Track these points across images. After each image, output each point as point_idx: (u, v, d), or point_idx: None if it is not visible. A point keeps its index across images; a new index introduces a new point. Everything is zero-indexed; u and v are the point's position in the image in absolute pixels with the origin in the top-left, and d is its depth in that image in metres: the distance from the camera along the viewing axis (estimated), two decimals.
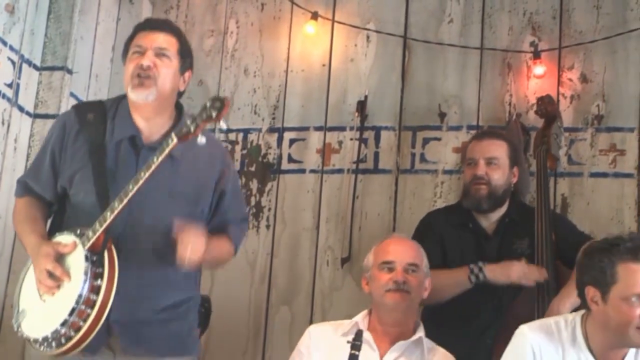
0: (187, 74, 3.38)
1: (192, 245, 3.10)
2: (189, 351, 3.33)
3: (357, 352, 3.22)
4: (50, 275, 3.10)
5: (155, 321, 3.23)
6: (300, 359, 3.61)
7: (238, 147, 5.12)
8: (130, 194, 3.04)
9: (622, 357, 3.16)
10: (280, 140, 5.10)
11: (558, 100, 4.74)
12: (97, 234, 3.08)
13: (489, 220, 4.14)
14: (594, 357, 3.14)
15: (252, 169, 5.09)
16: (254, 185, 5.07)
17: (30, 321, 3.17)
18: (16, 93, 4.52)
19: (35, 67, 4.66)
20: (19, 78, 4.54)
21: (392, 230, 4.81)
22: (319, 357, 3.58)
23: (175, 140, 3.01)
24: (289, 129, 5.11)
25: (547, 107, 4.50)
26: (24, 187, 3.40)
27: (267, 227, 5.00)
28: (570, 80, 4.82)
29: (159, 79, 3.24)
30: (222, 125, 3.02)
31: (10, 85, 4.48)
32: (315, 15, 5.08)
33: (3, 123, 4.44)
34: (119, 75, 5.14)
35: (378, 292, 3.59)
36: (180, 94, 3.40)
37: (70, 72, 4.71)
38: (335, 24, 5.14)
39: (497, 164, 4.11)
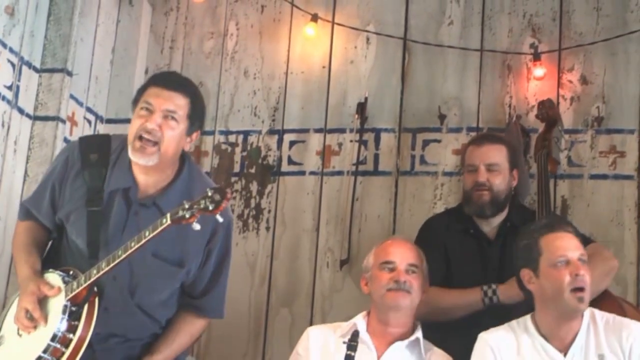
0: (194, 135, 3.35)
1: None
2: None
3: (352, 353, 3.22)
4: (29, 316, 3.15)
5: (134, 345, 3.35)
6: None
7: (238, 149, 5.12)
8: (118, 260, 3.07)
9: (573, 336, 3.33)
10: (280, 142, 5.10)
11: (558, 102, 4.74)
12: (80, 288, 3.13)
13: (491, 225, 4.14)
14: (546, 340, 3.34)
15: (252, 170, 5.09)
16: (254, 187, 5.06)
17: (5, 350, 3.22)
18: (16, 95, 4.52)
19: (35, 69, 4.66)
20: (18, 80, 4.54)
21: (392, 232, 4.81)
22: (316, 359, 3.58)
23: (169, 221, 2.99)
24: (288, 131, 5.10)
25: (548, 111, 4.50)
26: (26, 212, 3.44)
27: (267, 229, 5.00)
28: (570, 82, 4.82)
29: (162, 143, 3.20)
30: (219, 218, 2.99)
31: (10, 88, 4.48)
32: (315, 17, 5.08)
33: (3, 125, 4.44)
34: (119, 78, 5.18)
35: (379, 292, 3.61)
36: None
37: (70, 74, 4.71)
38: (335, 26, 5.13)
39: (497, 170, 4.11)
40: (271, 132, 5.13)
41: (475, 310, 3.92)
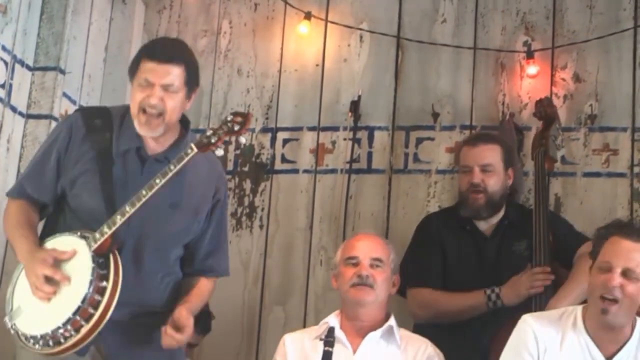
0: (193, 95, 3.40)
1: (178, 338, 3.21)
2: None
3: (330, 349, 3.25)
4: (48, 280, 3.10)
5: (139, 325, 3.26)
6: None
7: (231, 147, 5.11)
8: (144, 199, 3.08)
9: (621, 343, 3.19)
10: (273, 141, 5.10)
11: (551, 100, 4.74)
12: (106, 236, 3.11)
13: (488, 224, 4.15)
14: (592, 340, 3.20)
15: (246, 169, 5.09)
16: (247, 185, 5.06)
17: (27, 319, 3.15)
18: (9, 93, 4.51)
19: (28, 68, 4.65)
20: (11, 78, 4.52)
21: (386, 230, 4.81)
22: None
23: (195, 150, 3.08)
24: (282, 129, 5.10)
25: (546, 109, 4.49)
26: (20, 190, 3.39)
27: (261, 227, 5.00)
28: (564, 80, 4.82)
29: (166, 113, 3.25)
30: (242, 139, 3.13)
31: (2, 86, 4.46)
32: (308, 15, 5.07)
33: None
34: (112, 76, 5.17)
35: (343, 287, 3.64)
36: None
37: (63, 72, 4.70)
38: (329, 24, 5.13)
39: (492, 170, 4.12)
40: (264, 130, 5.12)
41: (478, 312, 3.95)
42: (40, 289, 3.11)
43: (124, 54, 5.21)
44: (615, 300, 3.12)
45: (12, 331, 3.18)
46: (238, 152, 5.10)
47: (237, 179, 5.07)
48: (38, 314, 3.13)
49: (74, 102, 4.88)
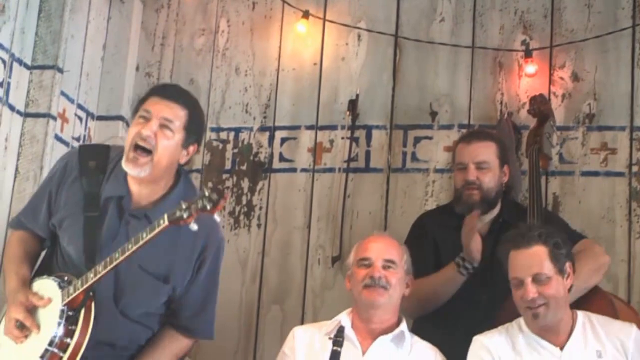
0: (191, 148, 3.35)
1: None
2: None
3: (339, 349, 3.25)
4: (19, 325, 3.15)
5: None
6: None
7: (229, 146, 5.11)
8: (116, 263, 3.07)
9: (567, 333, 3.40)
10: (271, 140, 5.09)
11: (550, 100, 4.74)
12: (77, 292, 3.13)
13: (483, 222, 4.14)
14: (539, 336, 3.39)
15: (244, 168, 5.08)
16: (246, 184, 5.06)
17: (5, 355, 3.21)
18: (7, 92, 4.50)
19: (26, 66, 4.64)
20: (9, 77, 4.52)
21: (384, 229, 4.81)
22: (303, 358, 3.59)
23: (166, 222, 3.00)
24: (280, 128, 5.10)
25: (540, 106, 4.50)
26: (19, 223, 3.45)
27: (259, 226, 5.00)
28: (562, 79, 4.82)
29: (156, 153, 3.21)
30: (217, 218, 3.01)
31: (1, 85, 4.46)
32: (306, 14, 5.07)
33: None
34: (110, 75, 5.17)
35: (357, 289, 3.62)
36: (182, 165, 3.39)
37: (61, 71, 4.69)
38: (327, 23, 5.13)
39: (487, 168, 4.11)
40: (263, 129, 5.12)
41: (458, 285, 3.96)
42: (10, 332, 3.17)
43: (122, 52, 5.22)
44: (540, 306, 3.32)
45: None
46: (236, 151, 5.10)
47: (235, 178, 5.06)
48: (14, 353, 3.19)
49: (72, 101, 4.88)
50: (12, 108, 4.54)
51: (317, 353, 3.56)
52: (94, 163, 3.32)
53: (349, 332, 3.53)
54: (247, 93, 5.18)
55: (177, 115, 3.24)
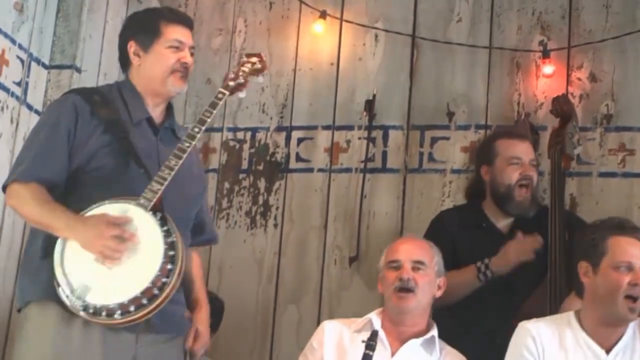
0: None
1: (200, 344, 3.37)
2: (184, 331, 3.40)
3: (371, 353, 3.24)
4: (120, 239, 3.05)
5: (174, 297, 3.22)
6: (312, 354, 3.62)
7: (246, 146, 5.12)
8: (188, 150, 3.22)
9: (617, 337, 3.29)
10: (288, 139, 5.10)
11: (567, 98, 4.73)
12: (159, 193, 3.13)
13: (506, 220, 4.14)
14: (590, 336, 3.29)
15: (260, 167, 5.09)
16: (262, 184, 5.06)
17: (101, 291, 3.05)
18: (25, 91, 4.53)
19: (44, 66, 4.67)
20: (27, 76, 4.54)
21: (400, 229, 4.81)
22: (330, 353, 3.59)
23: (227, 93, 3.37)
24: (297, 128, 5.11)
25: (563, 106, 4.47)
26: (32, 173, 3.21)
27: (275, 226, 5.00)
28: (580, 79, 4.81)
29: (189, 73, 3.46)
30: (260, 79, 3.45)
31: (19, 84, 4.48)
32: (323, 14, 5.07)
33: (12, 121, 4.45)
34: None
35: (387, 292, 3.61)
36: None
37: (79, 70, 4.72)
38: (344, 23, 5.13)
39: (535, 165, 4.15)
40: (279, 129, 5.13)
41: (473, 288, 3.94)
42: (116, 249, 3.04)
43: None
44: (638, 299, 3.22)
45: (81, 312, 3.04)
46: (252, 150, 5.11)
47: (251, 178, 5.07)
48: (113, 281, 3.05)
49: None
50: (30, 107, 4.56)
51: (345, 349, 3.56)
52: (97, 97, 3.39)
53: (380, 332, 3.51)
54: (264, 93, 5.18)
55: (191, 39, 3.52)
